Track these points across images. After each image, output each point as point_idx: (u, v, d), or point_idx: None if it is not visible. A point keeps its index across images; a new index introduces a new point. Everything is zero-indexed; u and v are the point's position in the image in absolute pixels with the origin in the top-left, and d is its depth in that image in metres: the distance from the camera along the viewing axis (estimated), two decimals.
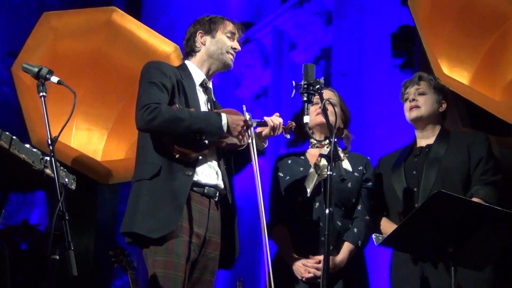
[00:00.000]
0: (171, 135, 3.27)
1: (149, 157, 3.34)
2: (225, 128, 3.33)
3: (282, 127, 3.62)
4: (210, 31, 3.58)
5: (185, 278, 3.26)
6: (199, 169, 3.36)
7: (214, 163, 3.44)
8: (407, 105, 3.88)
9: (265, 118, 3.59)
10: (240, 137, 3.40)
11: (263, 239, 3.35)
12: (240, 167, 3.64)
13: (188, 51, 3.63)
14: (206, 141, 3.31)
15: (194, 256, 3.33)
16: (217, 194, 3.43)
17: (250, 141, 3.45)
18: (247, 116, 3.45)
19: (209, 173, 3.40)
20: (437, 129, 3.87)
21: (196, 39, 3.59)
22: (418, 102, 3.84)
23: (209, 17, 3.65)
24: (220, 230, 3.45)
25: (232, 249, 3.50)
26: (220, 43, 3.57)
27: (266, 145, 3.64)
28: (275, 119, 3.58)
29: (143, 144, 3.39)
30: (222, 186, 3.45)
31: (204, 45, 3.57)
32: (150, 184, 3.28)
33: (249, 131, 3.45)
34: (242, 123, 3.38)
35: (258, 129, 3.59)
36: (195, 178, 3.33)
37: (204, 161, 3.39)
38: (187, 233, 3.28)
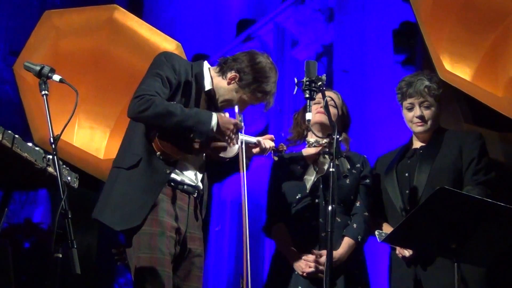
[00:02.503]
0: (160, 128, 3.24)
1: (133, 147, 3.32)
2: (214, 128, 3.28)
3: (272, 149, 3.62)
4: (243, 86, 3.42)
5: (170, 274, 3.24)
6: (179, 169, 3.34)
7: (195, 168, 3.42)
8: (410, 117, 3.80)
9: (258, 139, 3.58)
10: (229, 140, 3.35)
11: (244, 249, 3.35)
12: (222, 177, 3.64)
13: (220, 68, 3.49)
14: (200, 139, 3.28)
15: (177, 252, 3.32)
16: (196, 191, 3.42)
17: (239, 151, 3.43)
18: (239, 118, 3.41)
19: (188, 175, 3.39)
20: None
21: (232, 71, 3.44)
22: (424, 118, 3.76)
23: (261, 71, 3.43)
24: (200, 226, 3.45)
25: None
26: (237, 98, 3.44)
27: (249, 161, 3.62)
28: (267, 143, 3.59)
29: (130, 133, 3.38)
30: (201, 187, 3.44)
31: (228, 84, 3.44)
32: (126, 174, 3.27)
33: (238, 136, 3.41)
34: (232, 126, 3.32)
35: (249, 145, 3.58)
36: (174, 176, 3.32)
37: (186, 163, 3.38)
38: (169, 228, 3.27)
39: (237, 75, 3.43)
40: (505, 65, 4.55)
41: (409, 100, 3.79)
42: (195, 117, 3.27)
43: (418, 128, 3.79)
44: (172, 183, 3.32)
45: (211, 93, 3.49)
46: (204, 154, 3.45)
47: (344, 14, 7.53)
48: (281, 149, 3.71)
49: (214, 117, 3.30)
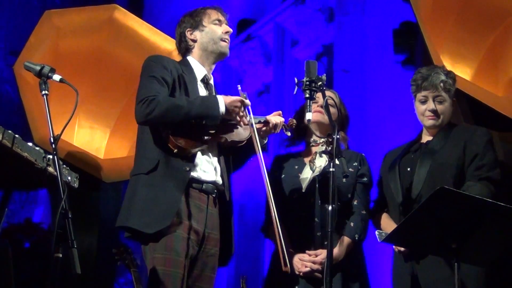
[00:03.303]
0: (171, 124, 3.26)
1: (147, 152, 3.34)
2: (223, 110, 3.32)
3: (283, 125, 3.62)
4: (196, 25, 3.57)
5: (184, 275, 3.25)
6: (197, 165, 3.36)
7: (213, 159, 3.44)
8: (422, 110, 3.75)
9: (267, 117, 3.60)
10: (238, 118, 3.39)
11: (274, 222, 3.31)
12: (240, 163, 3.65)
13: (183, 51, 3.63)
14: (212, 125, 3.30)
15: (194, 253, 3.32)
16: (215, 190, 3.43)
17: (252, 135, 3.43)
18: (243, 95, 3.44)
19: (207, 168, 3.40)
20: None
21: (186, 38, 3.59)
22: (436, 112, 3.71)
23: (189, 12, 3.64)
24: (218, 226, 3.45)
25: (229, 247, 3.50)
26: (210, 33, 3.57)
27: (266, 141, 3.65)
28: (277, 119, 3.60)
29: (142, 139, 3.40)
30: (220, 182, 3.45)
31: (196, 41, 3.57)
32: (147, 179, 3.28)
33: (247, 114, 3.43)
34: (239, 104, 3.38)
35: (258, 126, 3.58)
36: (193, 173, 3.33)
37: (203, 156, 3.39)
38: (186, 229, 3.28)
39: (189, 29, 3.58)
40: (505, 65, 4.55)
41: (423, 93, 3.73)
42: (202, 104, 3.31)
43: (429, 122, 3.74)
44: (191, 183, 3.33)
45: (206, 77, 3.56)
46: (218, 146, 3.46)
47: (344, 14, 7.53)
48: (291, 123, 3.70)
49: (221, 99, 3.34)
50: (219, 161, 3.47)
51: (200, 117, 3.29)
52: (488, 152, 3.64)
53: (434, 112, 3.71)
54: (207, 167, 3.40)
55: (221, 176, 3.46)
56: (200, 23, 3.57)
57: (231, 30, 3.62)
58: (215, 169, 3.43)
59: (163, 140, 3.29)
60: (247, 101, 3.43)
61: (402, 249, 3.61)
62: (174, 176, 3.28)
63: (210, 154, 3.43)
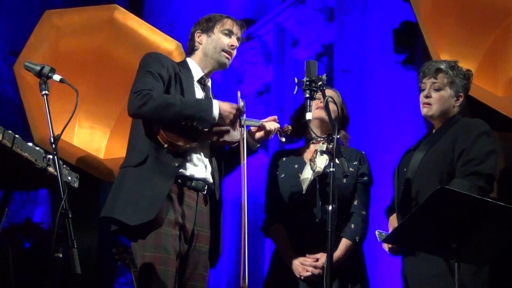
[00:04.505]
0: (162, 121, 3.25)
1: (138, 144, 3.33)
2: (217, 115, 3.30)
3: (278, 130, 3.61)
4: (207, 29, 3.57)
5: (175, 272, 3.25)
6: (187, 161, 3.35)
7: (204, 157, 3.42)
8: (421, 98, 3.70)
9: (262, 122, 3.58)
10: (232, 125, 3.37)
11: (242, 237, 3.31)
12: (232, 166, 3.63)
13: (189, 50, 3.63)
14: (203, 128, 3.29)
15: (183, 250, 3.31)
16: (206, 188, 3.42)
17: (242, 137, 3.42)
18: (241, 104, 3.42)
19: (197, 165, 3.39)
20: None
21: (194, 38, 3.59)
22: (430, 100, 3.64)
23: (208, 15, 3.65)
24: (209, 223, 3.44)
25: (216, 248, 3.49)
26: (216, 41, 3.55)
27: (258, 145, 3.63)
28: (272, 125, 3.59)
29: (134, 132, 3.39)
30: (210, 180, 3.43)
31: (201, 44, 3.57)
32: (134, 172, 3.27)
33: (241, 122, 3.41)
34: (234, 111, 3.35)
35: (253, 129, 3.58)
36: (183, 170, 3.32)
37: (194, 153, 3.38)
38: (175, 226, 3.27)
39: (199, 31, 3.58)
40: (505, 64, 4.56)
41: (423, 80, 3.69)
42: (195, 105, 3.30)
43: (423, 110, 3.68)
44: (179, 180, 3.32)
45: (204, 79, 3.55)
46: (210, 145, 3.44)
47: (344, 13, 7.53)
48: (286, 129, 3.69)
49: (216, 104, 3.32)
50: (210, 161, 3.45)
51: (192, 118, 3.27)
52: (477, 145, 3.51)
53: (427, 98, 3.65)
54: (197, 164, 3.39)
55: (212, 174, 3.45)
56: (211, 29, 3.57)
57: (237, 44, 3.61)
58: (205, 167, 3.42)
59: (154, 135, 3.28)
60: (243, 109, 3.41)
61: (386, 249, 3.61)
62: (162, 170, 3.26)
63: (201, 152, 3.41)
